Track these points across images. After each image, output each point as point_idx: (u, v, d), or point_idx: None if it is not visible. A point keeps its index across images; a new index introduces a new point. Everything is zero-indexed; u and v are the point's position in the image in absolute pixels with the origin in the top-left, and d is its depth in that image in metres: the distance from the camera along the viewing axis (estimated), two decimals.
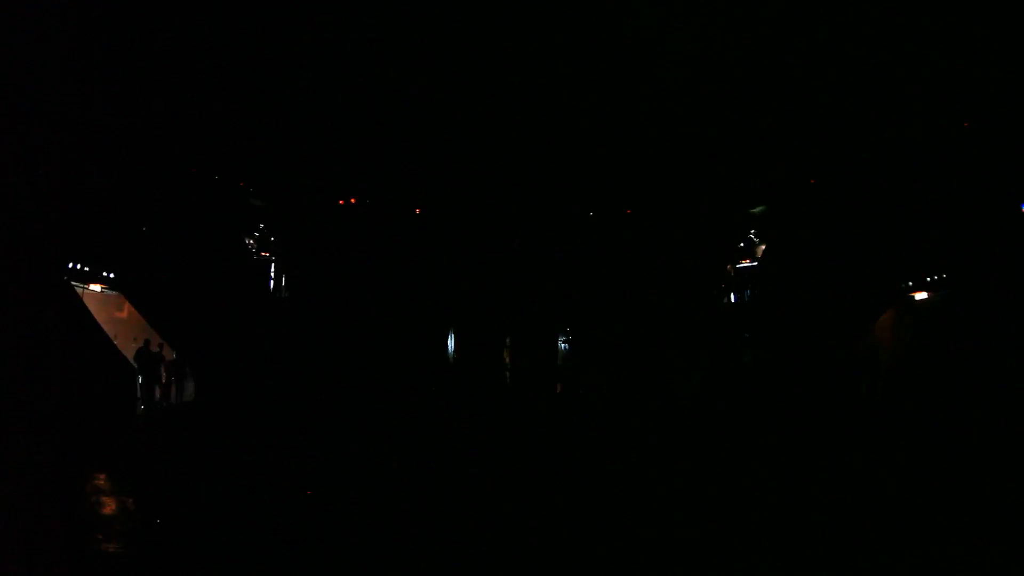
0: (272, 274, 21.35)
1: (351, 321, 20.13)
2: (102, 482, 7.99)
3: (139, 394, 14.70)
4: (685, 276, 22.08)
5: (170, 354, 15.85)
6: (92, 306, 14.89)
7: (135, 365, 14.89)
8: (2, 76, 12.88)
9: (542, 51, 15.38)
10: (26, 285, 12.55)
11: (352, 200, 22.62)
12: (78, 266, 14.80)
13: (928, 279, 16.46)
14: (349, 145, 19.43)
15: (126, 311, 16.47)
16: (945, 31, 13.37)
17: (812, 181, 20.39)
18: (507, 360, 21.27)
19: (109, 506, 6.78)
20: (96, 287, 15.71)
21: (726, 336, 19.47)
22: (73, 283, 14.68)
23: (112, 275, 15.76)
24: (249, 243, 21.12)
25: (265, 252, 21.35)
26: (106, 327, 14.64)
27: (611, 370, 18.91)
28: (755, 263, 21.52)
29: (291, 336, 19.16)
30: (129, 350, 14.95)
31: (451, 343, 21.15)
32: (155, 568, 5.05)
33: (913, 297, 17.03)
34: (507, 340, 22.33)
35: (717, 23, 14.21)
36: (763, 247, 21.45)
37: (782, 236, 21.11)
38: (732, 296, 22.05)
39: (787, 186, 20.70)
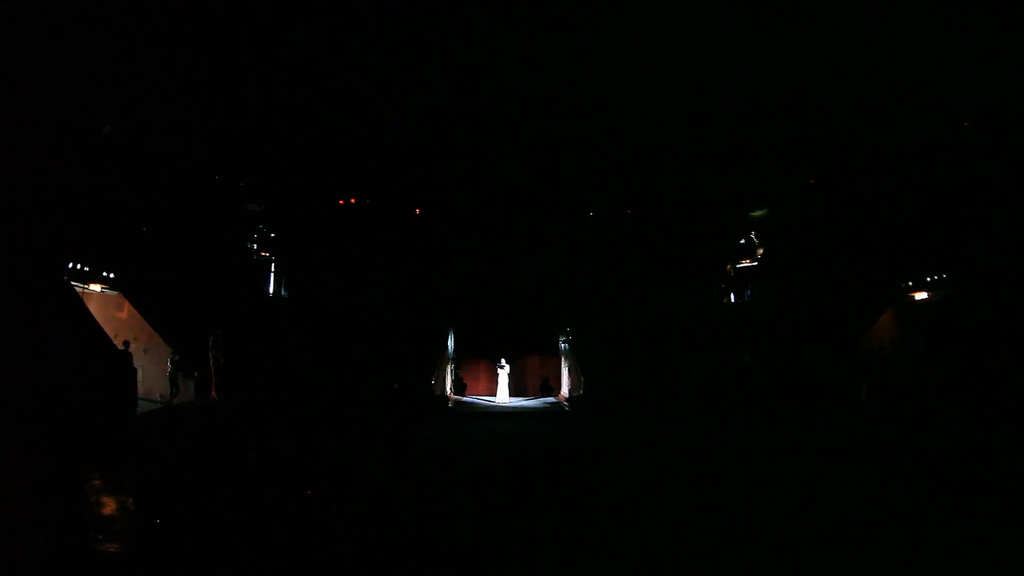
0: (272, 274, 21.37)
1: (351, 321, 20.15)
2: (101, 482, 7.98)
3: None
4: (685, 276, 22.12)
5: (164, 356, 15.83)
6: (92, 306, 14.88)
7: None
8: (3, 77, 12.91)
9: (544, 52, 15.39)
10: (26, 285, 12.57)
11: (352, 200, 22.65)
12: (78, 266, 14.79)
13: (928, 279, 16.47)
14: (349, 145, 19.44)
15: (126, 311, 16.47)
16: (945, 31, 13.37)
17: (812, 182, 20.43)
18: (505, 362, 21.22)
19: (109, 506, 6.77)
20: (96, 287, 15.71)
21: (726, 336, 19.48)
22: (73, 283, 14.68)
23: (112, 275, 15.77)
24: (249, 244, 21.15)
25: (265, 252, 21.37)
26: (106, 327, 14.63)
27: (611, 369, 18.90)
28: (755, 263, 21.54)
29: (291, 336, 19.17)
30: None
31: (451, 342, 21.14)
32: (155, 568, 5.05)
33: (913, 297, 17.05)
34: (507, 340, 22.31)
35: (718, 25, 14.22)
36: (763, 248, 21.50)
37: (782, 236, 21.15)
38: (732, 296, 22.07)
39: (787, 187, 20.74)
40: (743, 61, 15.38)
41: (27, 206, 13.41)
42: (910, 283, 16.97)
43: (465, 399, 21.17)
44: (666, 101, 17.13)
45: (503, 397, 20.61)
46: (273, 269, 21.45)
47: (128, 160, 16.88)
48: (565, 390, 20.45)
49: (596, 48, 15.34)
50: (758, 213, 21.89)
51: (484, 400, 21.12)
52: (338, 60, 15.65)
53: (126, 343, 14.56)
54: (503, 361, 21.02)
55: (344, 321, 20.12)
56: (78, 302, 14.28)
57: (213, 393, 15.89)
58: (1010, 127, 14.81)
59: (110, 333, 14.67)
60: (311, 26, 14.44)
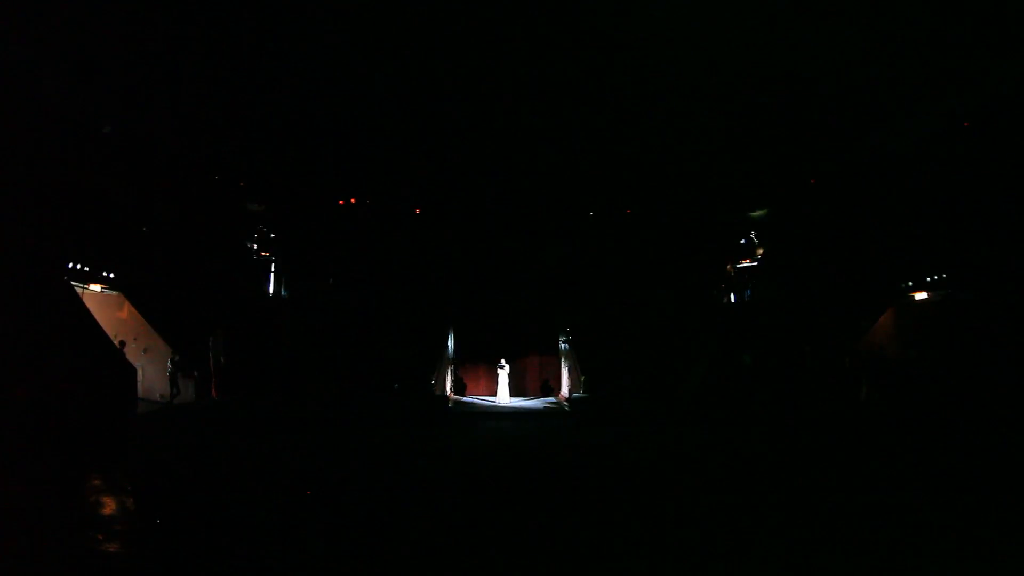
0: (272, 274, 21.37)
1: (351, 321, 20.14)
2: (101, 482, 7.98)
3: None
4: (685, 276, 22.12)
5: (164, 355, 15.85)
6: (92, 306, 14.87)
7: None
8: (3, 76, 12.90)
9: (543, 52, 15.38)
10: (26, 285, 12.56)
11: (352, 200, 22.65)
12: (78, 266, 14.79)
13: (928, 279, 16.47)
14: (349, 145, 19.43)
15: (126, 311, 16.47)
16: (945, 31, 13.37)
17: (812, 181, 20.44)
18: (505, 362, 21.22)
19: (109, 506, 6.77)
20: (96, 287, 15.70)
21: (726, 336, 19.48)
22: (73, 283, 14.67)
23: (112, 275, 15.76)
24: (249, 244, 21.15)
25: (265, 252, 21.37)
26: (106, 327, 14.62)
27: (611, 369, 18.90)
28: (755, 263, 21.55)
29: (291, 336, 19.17)
30: (129, 350, 14.95)
31: (451, 343, 21.15)
32: (155, 568, 5.04)
33: (913, 297, 17.05)
34: (507, 341, 22.30)
35: (717, 24, 14.22)
36: (763, 248, 21.50)
37: (782, 236, 21.16)
38: (732, 296, 22.07)
39: (787, 187, 20.74)
40: (743, 60, 15.37)
41: (27, 206, 13.39)
42: (910, 283, 16.97)
43: (465, 399, 21.16)
44: (666, 100, 17.12)
45: (503, 397, 20.59)
46: (273, 269, 21.44)
47: (128, 160, 16.87)
48: (565, 390, 20.44)
49: (596, 48, 15.33)
50: (758, 213, 21.89)
51: (484, 400, 21.10)
52: (339, 60, 15.64)
53: (122, 343, 14.55)
54: (503, 361, 21.00)
55: (344, 321, 20.11)
56: (78, 302, 14.27)
57: (213, 393, 15.88)
58: (1010, 127, 14.80)
59: (110, 333, 14.64)
60: (312, 25, 14.43)
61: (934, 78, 14.87)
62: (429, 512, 6.86)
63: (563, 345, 21.13)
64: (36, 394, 11.17)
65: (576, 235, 22.88)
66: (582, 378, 19.13)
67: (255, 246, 21.26)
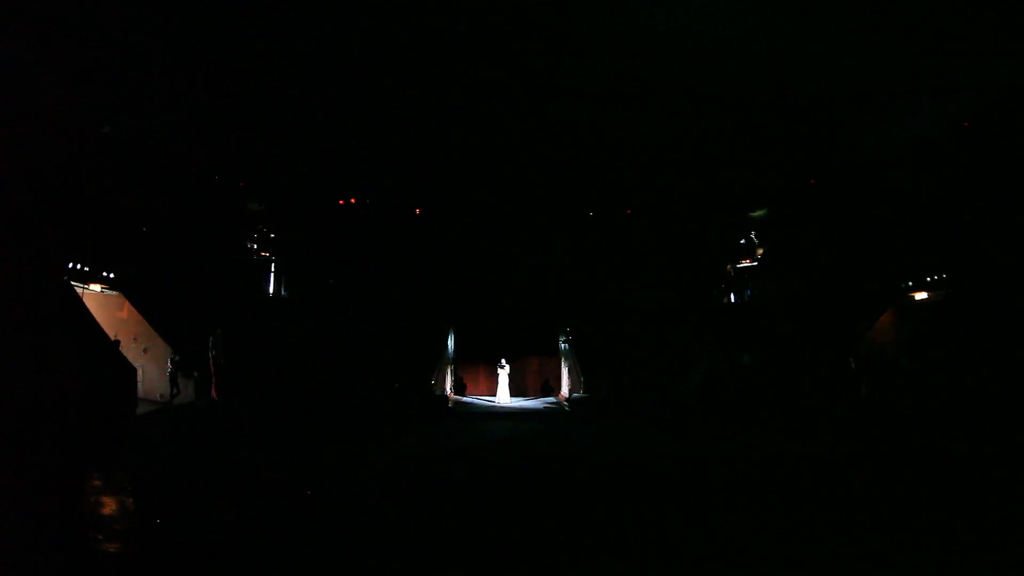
0: (272, 274, 21.39)
1: (351, 321, 20.16)
2: (102, 482, 7.98)
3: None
4: (685, 276, 22.13)
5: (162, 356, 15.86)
6: (92, 306, 14.89)
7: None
8: (3, 76, 12.90)
9: (542, 53, 15.38)
10: (26, 285, 12.56)
11: (352, 200, 22.66)
12: (78, 266, 14.80)
13: (928, 279, 16.48)
14: (349, 145, 19.43)
15: (126, 311, 16.48)
16: (944, 31, 13.37)
17: (812, 181, 20.44)
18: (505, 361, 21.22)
19: (109, 506, 6.77)
20: (96, 287, 15.71)
21: (726, 336, 19.49)
22: (73, 283, 14.68)
23: (112, 275, 15.78)
24: (249, 244, 21.16)
25: (265, 252, 21.38)
26: (106, 327, 14.64)
27: (611, 369, 18.91)
28: (755, 263, 21.56)
29: (291, 336, 19.18)
30: (129, 350, 14.96)
31: (451, 343, 21.15)
32: (155, 568, 5.05)
33: (913, 297, 17.06)
34: (507, 341, 22.31)
35: (717, 23, 14.22)
36: (763, 248, 21.52)
37: (782, 236, 21.17)
38: (732, 296, 22.09)
39: (787, 187, 20.75)
40: (743, 59, 15.36)
41: (27, 206, 13.39)
42: (910, 283, 16.99)
43: (465, 399, 21.17)
44: (666, 100, 17.11)
45: (503, 397, 20.59)
46: (273, 269, 21.46)
47: (128, 160, 16.88)
48: (565, 390, 20.45)
49: (596, 47, 15.33)
50: (758, 213, 21.92)
51: (484, 400, 21.11)
52: (338, 60, 15.64)
53: (116, 341, 14.56)
54: (503, 361, 21.00)
55: (344, 321, 20.13)
56: (78, 302, 14.29)
57: (213, 393, 15.89)
58: (1010, 127, 14.82)
59: (110, 333, 14.67)
60: (311, 25, 14.43)
61: (934, 78, 14.86)
62: (429, 512, 6.86)
63: (563, 345, 21.14)
64: (36, 394, 11.17)
65: (576, 235, 22.90)
66: (582, 378, 19.12)
67: (255, 246, 21.28)
